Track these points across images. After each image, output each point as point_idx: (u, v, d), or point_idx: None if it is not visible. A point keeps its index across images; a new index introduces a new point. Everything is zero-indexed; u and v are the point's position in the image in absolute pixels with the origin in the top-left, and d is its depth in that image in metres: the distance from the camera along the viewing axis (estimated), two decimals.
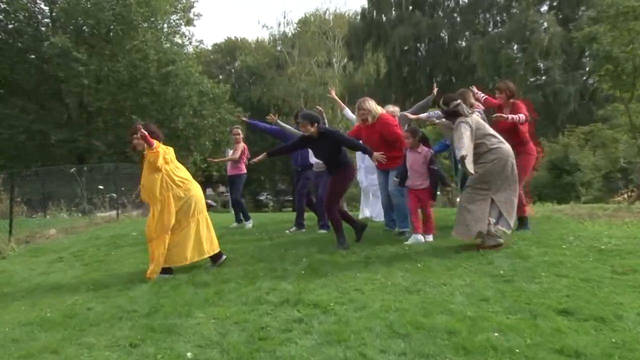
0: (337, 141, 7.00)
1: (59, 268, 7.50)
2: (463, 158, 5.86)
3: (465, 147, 5.97)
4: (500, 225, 6.17)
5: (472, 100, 7.26)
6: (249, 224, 9.91)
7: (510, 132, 6.86)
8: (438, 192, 9.03)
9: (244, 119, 10.00)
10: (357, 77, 40.40)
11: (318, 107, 9.84)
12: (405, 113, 8.27)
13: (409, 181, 7.17)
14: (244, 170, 10.11)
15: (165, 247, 6.18)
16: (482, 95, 7.61)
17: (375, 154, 6.79)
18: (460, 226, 6.23)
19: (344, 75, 43.47)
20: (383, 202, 8.18)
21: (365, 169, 9.38)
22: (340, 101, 9.81)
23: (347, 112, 9.56)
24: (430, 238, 7.00)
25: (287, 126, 8.97)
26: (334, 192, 7.13)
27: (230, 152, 10.37)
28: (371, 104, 7.57)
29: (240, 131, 10.27)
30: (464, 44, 36.10)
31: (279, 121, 9.12)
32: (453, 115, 6.35)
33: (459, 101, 6.40)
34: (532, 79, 32.47)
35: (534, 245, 6.17)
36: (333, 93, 9.61)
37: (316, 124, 6.94)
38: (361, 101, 7.66)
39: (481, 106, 7.41)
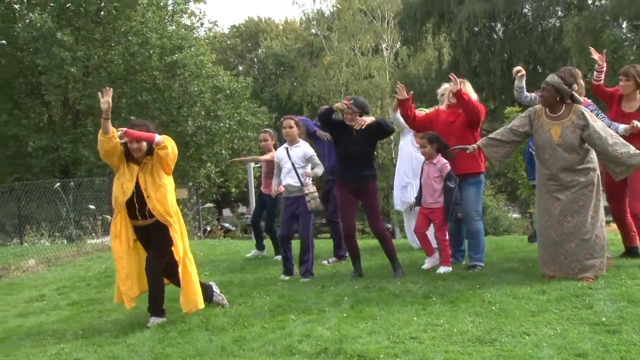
0: (380, 129, 7.41)
1: (39, 308, 7.69)
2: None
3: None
4: None
5: (581, 82, 7.35)
6: (253, 253, 10.10)
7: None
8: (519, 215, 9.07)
9: None
10: (412, 68, 40.11)
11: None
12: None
13: (422, 198, 7.57)
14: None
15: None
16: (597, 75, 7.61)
17: None
18: (576, 262, 6.35)
19: (396, 65, 43.38)
20: (450, 225, 8.16)
21: (417, 186, 9.38)
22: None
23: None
24: (447, 269, 7.35)
25: None
26: (379, 207, 7.65)
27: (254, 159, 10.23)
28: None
29: (269, 136, 9.75)
30: (553, 22, 35.70)
31: None
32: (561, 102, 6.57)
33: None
34: None
35: None
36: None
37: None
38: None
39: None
